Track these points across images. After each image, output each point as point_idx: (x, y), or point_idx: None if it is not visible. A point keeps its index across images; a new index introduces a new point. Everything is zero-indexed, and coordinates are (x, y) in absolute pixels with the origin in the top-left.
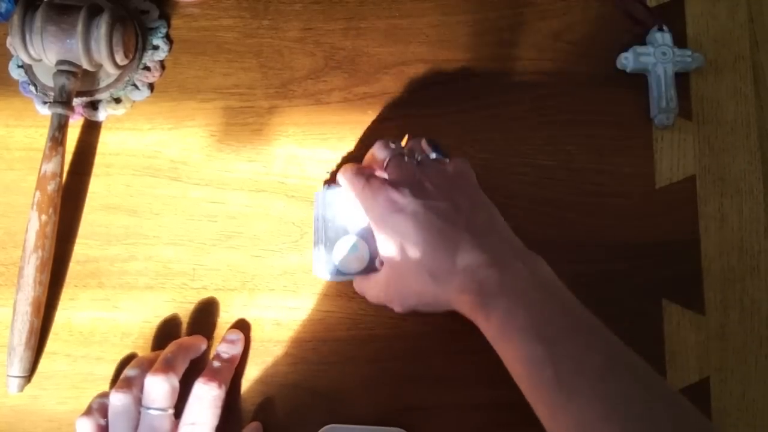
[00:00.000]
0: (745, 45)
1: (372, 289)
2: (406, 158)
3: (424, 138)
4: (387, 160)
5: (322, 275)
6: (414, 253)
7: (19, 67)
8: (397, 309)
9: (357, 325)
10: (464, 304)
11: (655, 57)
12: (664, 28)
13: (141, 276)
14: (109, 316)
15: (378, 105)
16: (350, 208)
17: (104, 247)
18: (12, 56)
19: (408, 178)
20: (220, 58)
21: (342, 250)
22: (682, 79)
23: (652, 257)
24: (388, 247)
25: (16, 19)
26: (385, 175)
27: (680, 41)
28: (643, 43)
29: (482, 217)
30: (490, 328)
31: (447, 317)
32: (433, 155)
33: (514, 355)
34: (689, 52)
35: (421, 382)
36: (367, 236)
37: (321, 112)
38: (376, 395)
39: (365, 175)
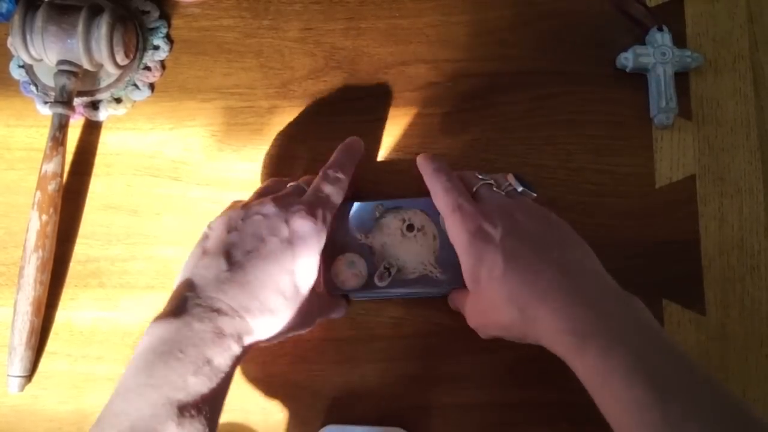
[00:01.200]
0: (745, 45)
1: (463, 309)
2: (494, 188)
3: (511, 173)
4: (477, 187)
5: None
6: (501, 286)
7: (20, 67)
8: (482, 336)
9: (357, 325)
10: (557, 344)
11: (654, 57)
12: (664, 28)
13: (142, 276)
14: (109, 315)
15: (378, 105)
16: (346, 224)
17: (105, 247)
18: (13, 56)
19: (499, 208)
20: (221, 58)
21: (340, 266)
22: (681, 78)
23: (652, 257)
24: (473, 278)
25: (17, 19)
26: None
27: (680, 41)
28: (642, 43)
29: (575, 254)
30: (586, 369)
31: (447, 317)
32: (520, 188)
33: (614, 396)
34: (689, 52)
35: (421, 382)
36: (364, 252)
37: (321, 112)
38: (376, 395)
39: (455, 196)
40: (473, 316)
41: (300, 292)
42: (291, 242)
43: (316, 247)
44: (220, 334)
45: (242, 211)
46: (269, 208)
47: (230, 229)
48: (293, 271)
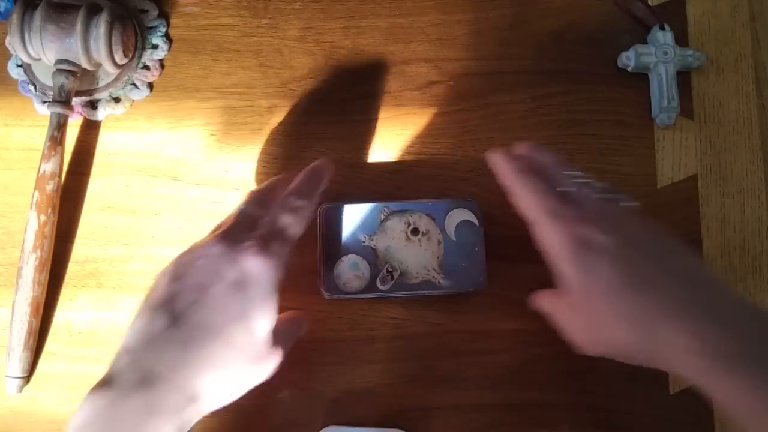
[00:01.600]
0: (747, 44)
1: (557, 317)
2: (585, 189)
3: (579, 171)
4: (567, 189)
5: (324, 294)
6: (617, 301)
7: (18, 66)
8: (587, 353)
9: (357, 325)
10: (689, 367)
11: (656, 56)
12: (666, 27)
13: (140, 276)
14: (108, 316)
15: (378, 104)
16: (351, 226)
17: (103, 247)
18: (11, 55)
19: (602, 213)
20: (220, 57)
21: (342, 268)
22: (683, 78)
23: None
24: (582, 291)
25: (15, 18)
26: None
27: (682, 40)
28: (644, 42)
29: (691, 262)
30: (733, 393)
31: (447, 318)
32: (617, 195)
33: None
34: (691, 51)
35: (421, 383)
36: (367, 255)
37: (321, 112)
38: (375, 395)
39: (550, 200)
40: (578, 330)
41: (256, 339)
42: (240, 285)
43: (271, 287)
44: (156, 411)
45: (189, 255)
46: (215, 248)
47: (175, 277)
48: (246, 318)
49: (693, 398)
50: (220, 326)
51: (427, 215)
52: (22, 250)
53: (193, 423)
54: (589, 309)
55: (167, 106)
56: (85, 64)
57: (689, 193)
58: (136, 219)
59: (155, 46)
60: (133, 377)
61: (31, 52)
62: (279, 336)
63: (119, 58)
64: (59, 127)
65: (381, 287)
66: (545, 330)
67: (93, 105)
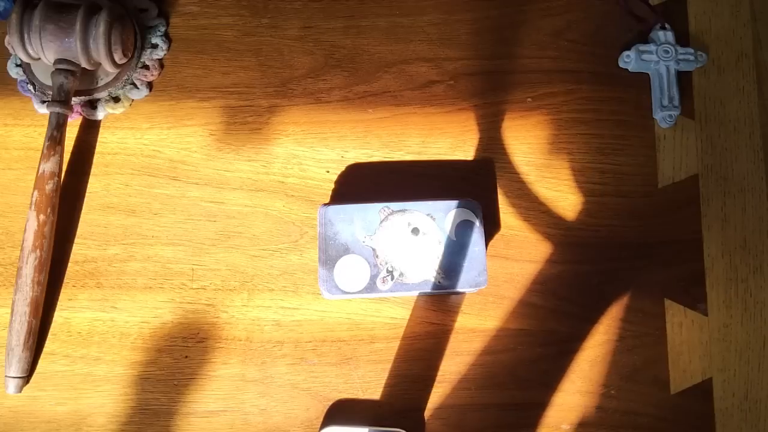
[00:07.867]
0: (748, 43)
1: None
2: None
3: None
4: None
5: (324, 294)
6: None
7: (17, 65)
8: None
9: (357, 325)
10: None
11: (657, 55)
12: (667, 26)
13: (139, 276)
14: (107, 316)
15: (378, 104)
16: (351, 226)
17: (103, 247)
18: (10, 55)
19: None
20: (219, 56)
21: (343, 268)
22: (684, 77)
23: (654, 257)
24: None
25: (14, 17)
26: None
27: (683, 39)
28: (645, 41)
29: None
30: None
31: (447, 318)
32: None
33: None
34: (692, 51)
35: (420, 383)
36: (367, 255)
37: (321, 111)
38: (376, 395)
39: None
40: None
41: None
42: None
43: None
44: None
45: None
46: None
47: None
48: None
49: (693, 398)
50: None
51: (427, 215)
52: (22, 250)
53: None
54: None
55: (167, 105)
56: (84, 64)
57: (690, 192)
58: (135, 219)
59: (155, 46)
60: None
61: (31, 51)
62: None
63: (118, 57)
64: (58, 126)
65: (381, 287)
66: (545, 330)
67: (92, 104)
